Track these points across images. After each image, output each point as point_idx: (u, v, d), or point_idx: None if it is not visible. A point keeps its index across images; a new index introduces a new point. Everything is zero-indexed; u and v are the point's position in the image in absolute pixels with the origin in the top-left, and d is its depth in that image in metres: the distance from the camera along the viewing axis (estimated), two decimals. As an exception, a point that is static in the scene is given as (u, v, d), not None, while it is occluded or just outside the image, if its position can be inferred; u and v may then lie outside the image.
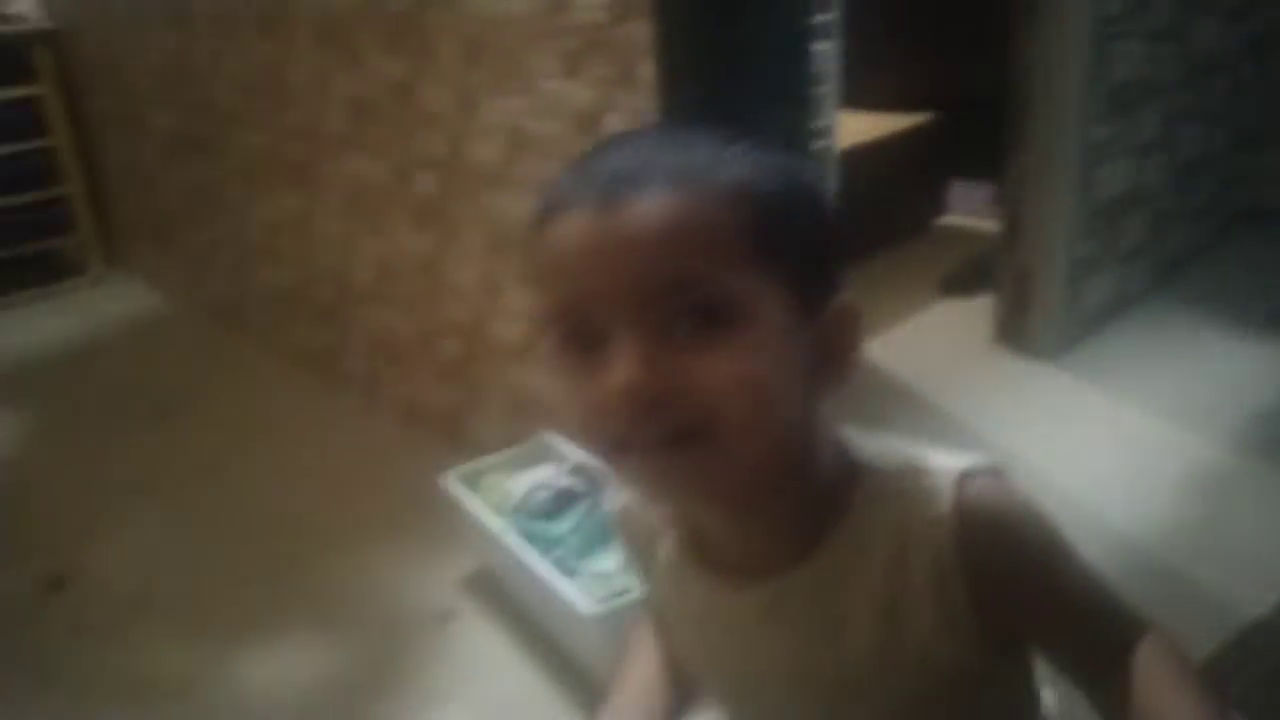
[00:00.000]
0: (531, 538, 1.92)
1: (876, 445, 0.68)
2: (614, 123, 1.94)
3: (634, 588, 1.64)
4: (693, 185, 0.57)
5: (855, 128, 3.93)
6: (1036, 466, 2.48)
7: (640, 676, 0.84)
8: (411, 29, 2.35)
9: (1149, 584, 2.07)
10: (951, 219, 4.20)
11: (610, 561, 1.85)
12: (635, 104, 1.88)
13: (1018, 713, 0.74)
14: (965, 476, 0.64)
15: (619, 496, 0.79)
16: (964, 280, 3.48)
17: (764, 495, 0.64)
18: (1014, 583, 0.64)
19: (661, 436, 0.57)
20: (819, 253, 0.63)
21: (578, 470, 2.10)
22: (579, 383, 0.59)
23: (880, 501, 0.65)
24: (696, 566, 0.71)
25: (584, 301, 0.58)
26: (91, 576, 2.37)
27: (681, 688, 0.84)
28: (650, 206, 0.56)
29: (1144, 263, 3.37)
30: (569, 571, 1.85)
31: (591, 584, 1.81)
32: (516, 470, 2.15)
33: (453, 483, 2.12)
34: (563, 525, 1.94)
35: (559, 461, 2.16)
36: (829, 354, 0.63)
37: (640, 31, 1.83)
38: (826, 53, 2.21)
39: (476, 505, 2.04)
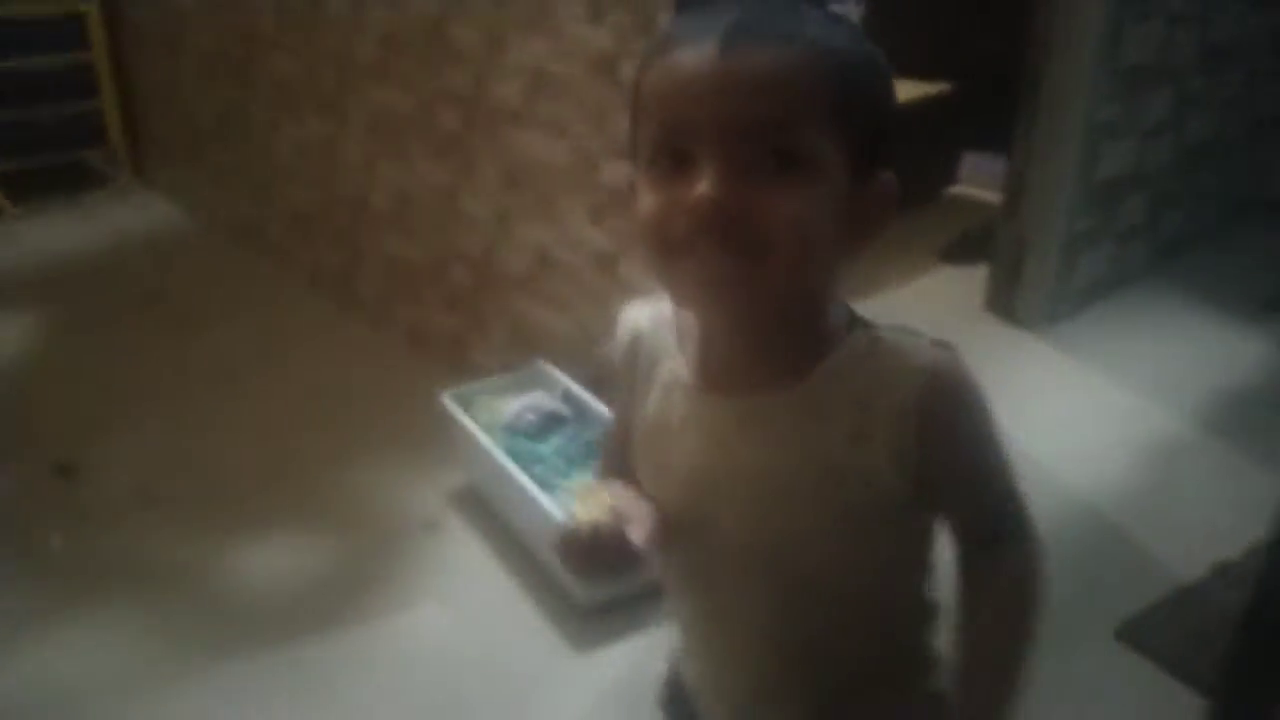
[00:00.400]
0: (516, 455, 2.04)
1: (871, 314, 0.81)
2: (629, 69, 2.03)
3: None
4: (798, 46, 0.67)
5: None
6: (1007, 429, 2.60)
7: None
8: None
9: (1097, 542, 2.20)
10: (962, 189, 4.26)
11: (590, 480, 1.98)
12: (648, 52, 1.97)
13: (919, 568, 0.84)
14: (939, 346, 0.75)
15: (634, 320, 0.86)
16: (965, 249, 3.56)
17: (785, 321, 0.74)
18: (951, 438, 0.74)
19: (721, 249, 0.67)
20: (880, 128, 0.73)
21: (567, 396, 2.23)
22: (660, 190, 0.69)
23: (865, 347, 0.75)
24: (698, 380, 0.79)
25: (687, 124, 0.67)
26: (100, 469, 2.51)
27: None
28: (762, 56, 0.66)
29: (1142, 243, 3.44)
30: (549, 488, 1.98)
31: (568, 499, 1.94)
32: (510, 393, 2.27)
33: (448, 401, 2.24)
34: (547, 445, 2.06)
35: (550, 388, 2.29)
36: (866, 218, 0.73)
37: (658, -20, 1.92)
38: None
39: (468, 423, 2.16)
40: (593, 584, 0.88)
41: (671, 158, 0.68)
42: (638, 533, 0.78)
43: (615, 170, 2.12)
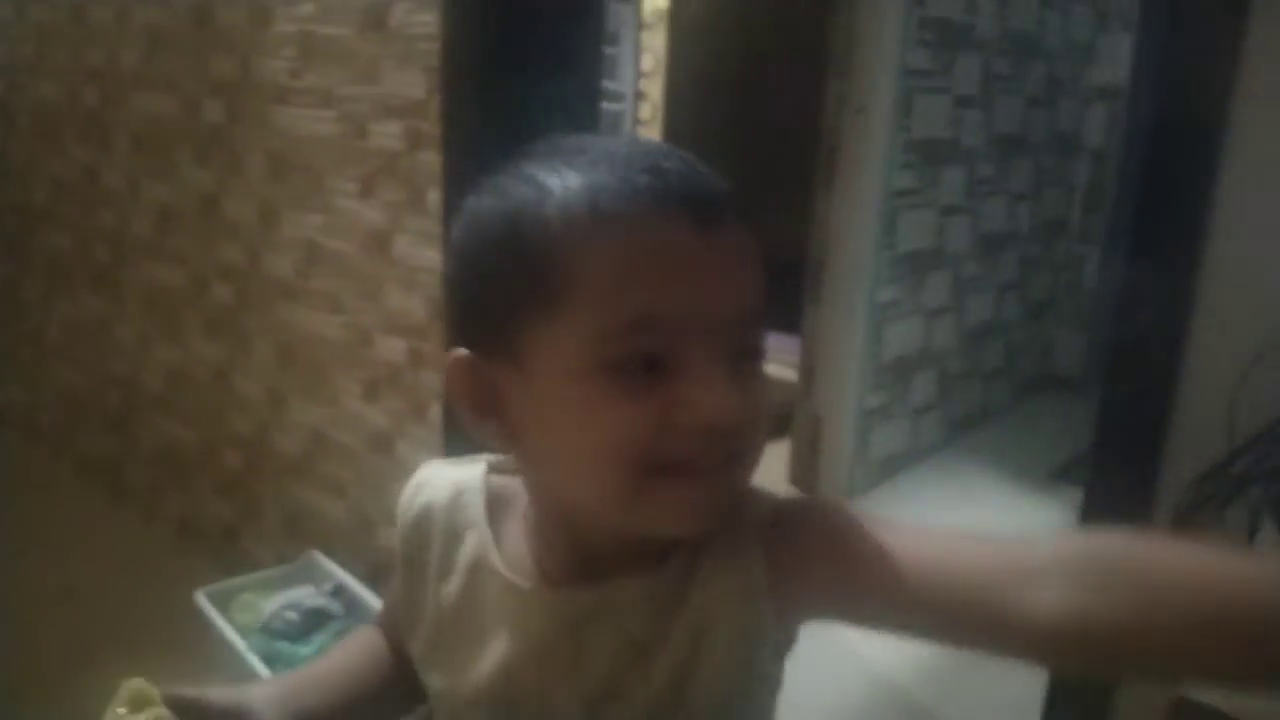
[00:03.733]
0: (272, 660, 1.84)
1: None
2: (403, 243, 1.98)
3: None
4: (746, 219, 0.58)
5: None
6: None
7: (363, 641, 0.80)
8: (222, 142, 2.37)
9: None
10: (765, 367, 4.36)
11: (353, 685, 1.79)
12: (423, 226, 1.93)
13: None
14: (777, 496, 0.63)
15: (428, 486, 0.72)
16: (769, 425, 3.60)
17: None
18: (804, 529, 0.59)
19: (721, 461, 0.57)
20: None
21: (337, 591, 2.05)
22: (633, 406, 0.55)
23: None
24: (522, 571, 0.65)
25: (669, 315, 0.54)
26: None
27: (403, 682, 0.75)
28: (740, 235, 0.57)
29: (935, 418, 3.57)
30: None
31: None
32: (275, 589, 2.08)
33: (202, 600, 2.03)
34: (309, 646, 1.87)
35: (320, 581, 2.11)
36: None
37: (431, 161, 1.90)
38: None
39: (222, 624, 1.96)
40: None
41: (642, 358, 0.55)
42: None
43: (389, 345, 2.04)
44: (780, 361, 4.23)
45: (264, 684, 0.73)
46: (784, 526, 0.59)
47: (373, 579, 2.09)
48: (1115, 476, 1.53)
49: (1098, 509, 1.55)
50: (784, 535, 0.59)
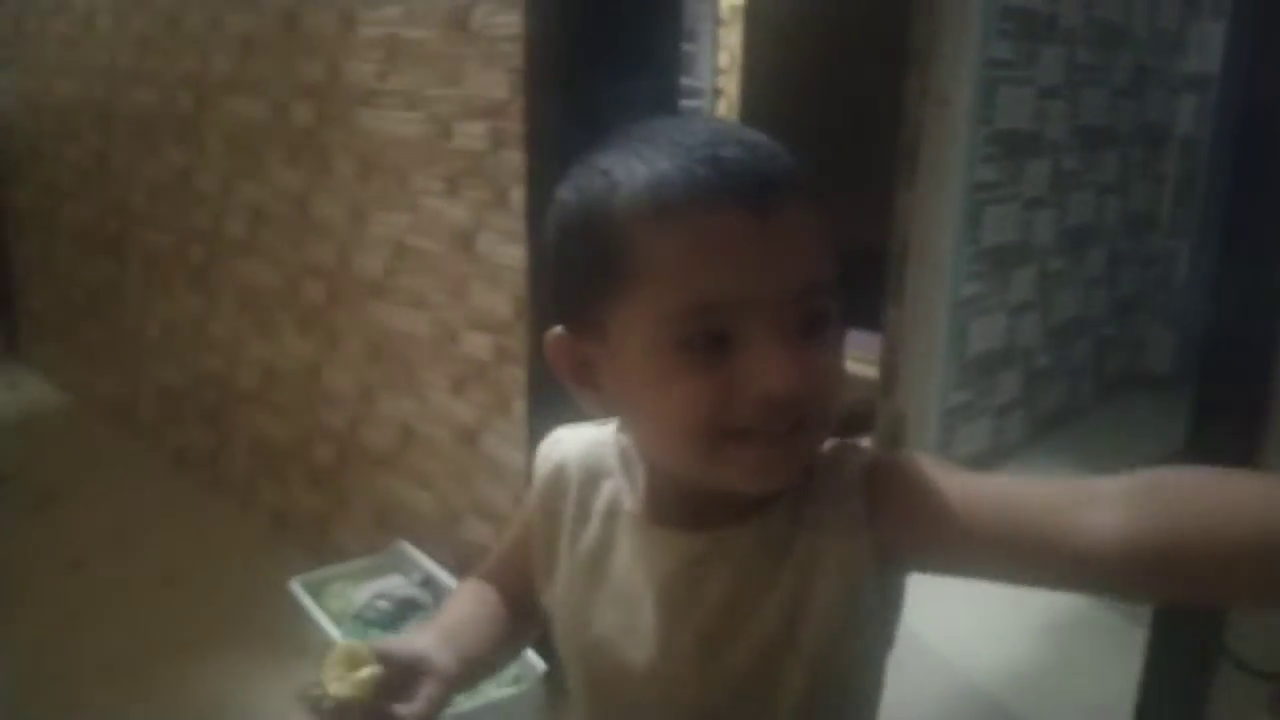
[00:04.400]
0: (365, 645, 1.89)
1: None
2: (487, 241, 2.02)
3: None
4: (812, 194, 0.62)
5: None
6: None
7: (474, 591, 0.85)
8: (311, 144, 2.45)
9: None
10: (846, 364, 4.33)
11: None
12: (507, 225, 1.97)
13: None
14: (875, 448, 0.69)
15: (558, 450, 0.78)
16: (851, 422, 3.57)
17: None
18: (902, 480, 0.63)
19: (785, 428, 0.60)
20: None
21: (426, 581, 2.10)
22: (702, 379, 0.59)
23: (813, 475, 0.66)
24: (646, 512, 0.70)
25: (731, 301, 0.59)
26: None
27: (519, 621, 0.83)
28: (799, 214, 0.60)
29: (1019, 417, 3.50)
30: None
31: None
32: (366, 578, 2.14)
33: (297, 588, 2.10)
34: (400, 635, 1.92)
35: (409, 571, 2.16)
36: None
37: (514, 160, 1.94)
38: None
39: (316, 612, 2.02)
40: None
41: (708, 337, 0.59)
42: (410, 711, 0.67)
43: (474, 341, 2.08)
44: (861, 359, 4.20)
45: (423, 631, 0.77)
46: (881, 472, 0.64)
47: (459, 570, 2.14)
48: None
49: None
50: (882, 479, 0.63)
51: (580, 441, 0.77)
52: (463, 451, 2.16)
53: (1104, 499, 0.54)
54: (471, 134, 2.02)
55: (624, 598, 0.70)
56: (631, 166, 0.61)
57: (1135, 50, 3.73)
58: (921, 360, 3.04)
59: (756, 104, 4.65)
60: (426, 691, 0.69)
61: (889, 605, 0.66)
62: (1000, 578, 0.59)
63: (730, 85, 4.76)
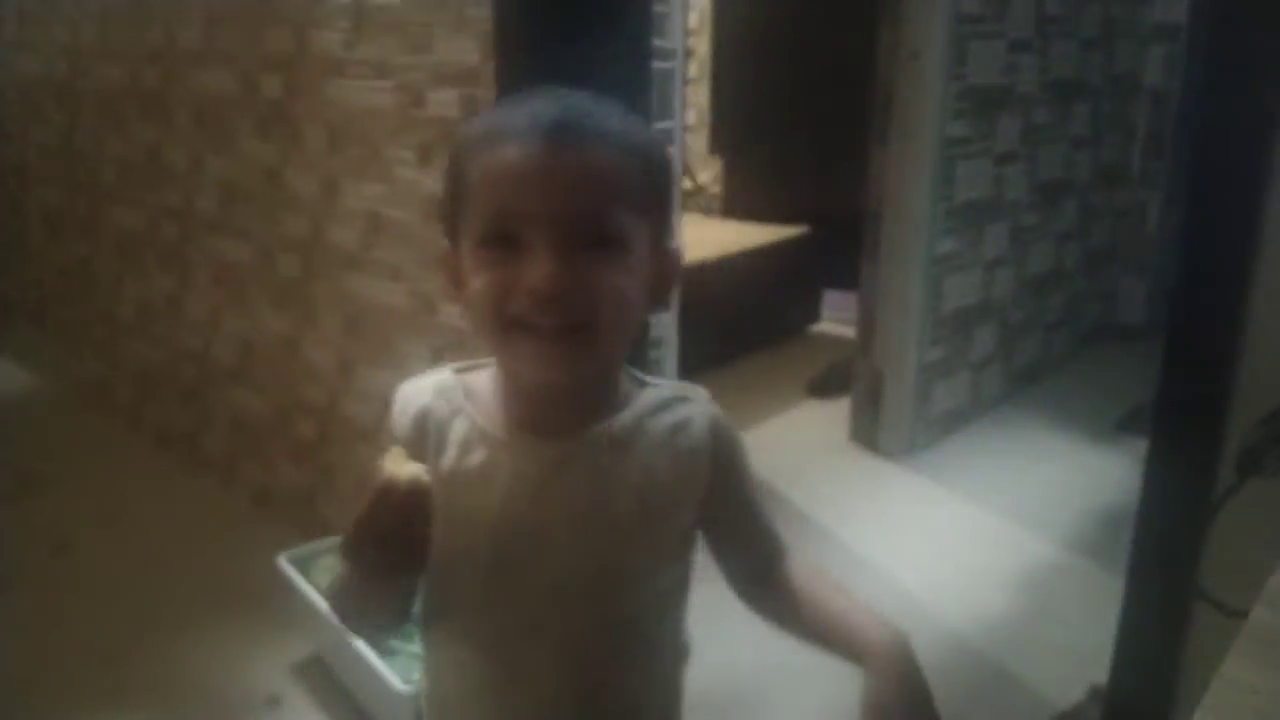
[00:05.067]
0: (354, 616, 1.90)
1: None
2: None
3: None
4: (611, 142, 0.76)
5: (735, 237, 4.11)
6: (877, 562, 2.56)
7: None
8: (281, 116, 2.42)
9: (972, 675, 2.15)
10: (825, 326, 4.36)
11: (431, 641, 1.85)
12: (481, 195, 1.96)
13: (683, 607, 0.92)
14: (711, 403, 0.89)
15: (416, 395, 0.87)
16: (828, 383, 3.61)
17: (601, 375, 0.83)
18: (733, 468, 0.89)
19: (558, 326, 0.75)
20: (668, 207, 0.84)
21: (412, 550, 2.11)
22: (494, 270, 0.75)
23: (656, 396, 0.87)
24: (504, 431, 0.83)
25: (519, 213, 0.74)
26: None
27: None
28: (583, 154, 0.74)
29: (996, 371, 3.54)
30: (389, 652, 1.84)
31: (411, 664, 1.80)
32: (353, 550, 2.14)
33: (284, 564, 2.10)
34: (388, 604, 1.93)
35: (395, 542, 2.16)
36: (662, 283, 0.83)
37: (487, 127, 1.93)
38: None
39: (306, 587, 2.02)
40: (374, 576, 0.80)
41: (502, 241, 0.75)
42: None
43: (452, 311, 2.08)
44: (840, 320, 4.23)
45: None
46: (726, 444, 0.88)
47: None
48: (1181, 423, 1.52)
49: (1164, 456, 1.54)
50: (726, 451, 0.88)
51: (425, 390, 0.88)
52: (445, 421, 2.16)
53: (785, 568, 0.91)
54: (444, 102, 2.01)
55: (493, 506, 0.82)
56: (490, 116, 0.81)
57: (1103, 0, 3.74)
58: (898, 318, 3.07)
59: (726, 63, 4.63)
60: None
61: (692, 541, 0.90)
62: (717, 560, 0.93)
63: (700, 45, 4.73)
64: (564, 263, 0.73)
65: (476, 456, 0.83)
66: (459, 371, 0.89)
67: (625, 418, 0.84)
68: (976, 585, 2.48)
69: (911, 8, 2.88)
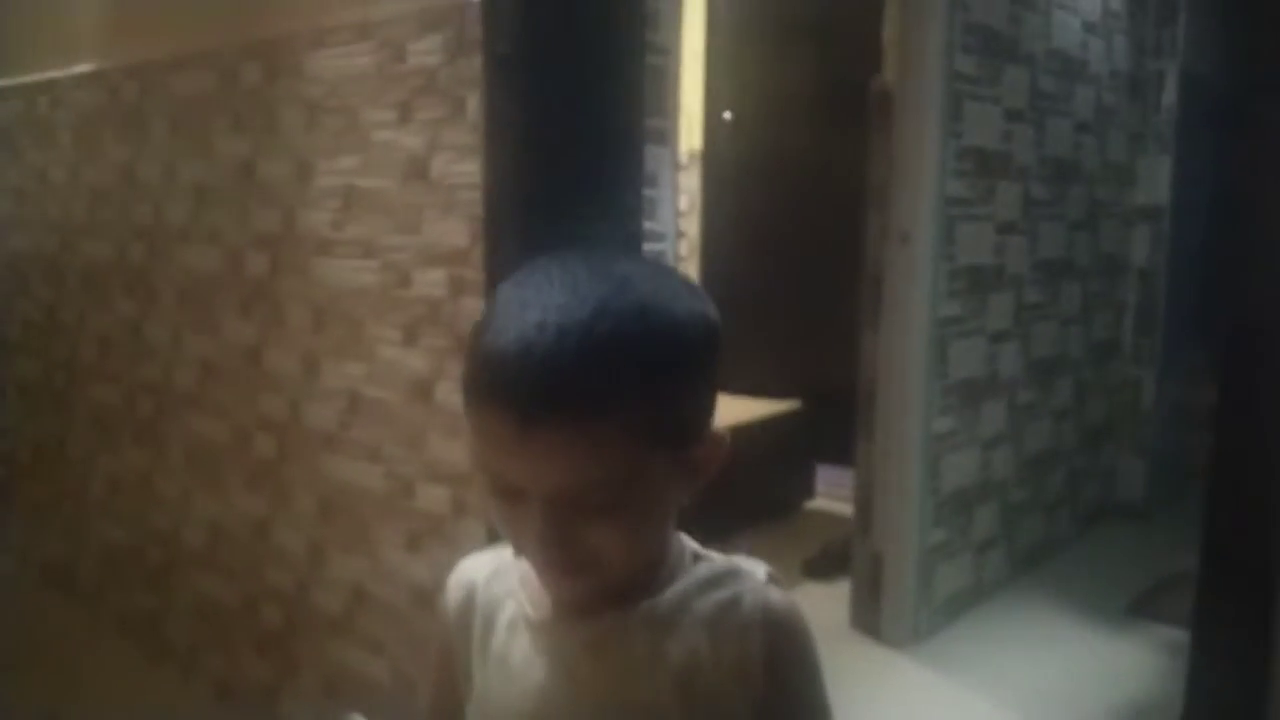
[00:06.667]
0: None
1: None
2: (444, 390, 1.94)
3: None
4: (596, 413, 0.66)
5: (727, 410, 4.04)
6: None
7: None
8: (265, 295, 2.38)
9: None
10: (819, 503, 4.25)
11: None
12: (465, 375, 1.89)
13: None
14: (771, 580, 0.79)
15: (470, 573, 0.85)
16: (824, 564, 3.47)
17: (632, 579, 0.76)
18: (792, 661, 0.76)
19: (564, 569, 0.72)
20: (699, 401, 0.74)
21: (379, 759, 1.93)
22: (504, 508, 0.72)
23: (707, 573, 0.78)
24: (542, 613, 0.79)
25: (509, 477, 0.70)
26: None
27: None
28: (561, 431, 0.66)
29: (999, 553, 3.41)
30: None
31: None
32: (314, 758, 1.97)
33: (239, 771, 1.92)
34: (348, 823, 1.74)
35: (361, 749, 1.99)
36: (695, 474, 0.75)
37: (474, 307, 1.87)
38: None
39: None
40: None
41: (505, 489, 0.71)
42: None
43: (431, 494, 1.98)
44: (836, 496, 4.11)
45: None
46: (785, 637, 0.76)
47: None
48: (1224, 609, 1.41)
49: (1208, 644, 1.42)
50: (785, 645, 0.76)
51: (484, 567, 0.84)
52: (419, 614, 2.03)
53: None
54: (430, 281, 1.97)
55: (532, 690, 0.78)
56: (478, 338, 0.71)
57: (1088, 184, 3.81)
58: (897, 498, 2.97)
59: (716, 245, 4.69)
60: None
61: None
62: None
63: (690, 227, 4.81)
64: (555, 527, 0.69)
65: (519, 642, 0.80)
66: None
67: (670, 595, 0.77)
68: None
69: (900, 191, 2.91)
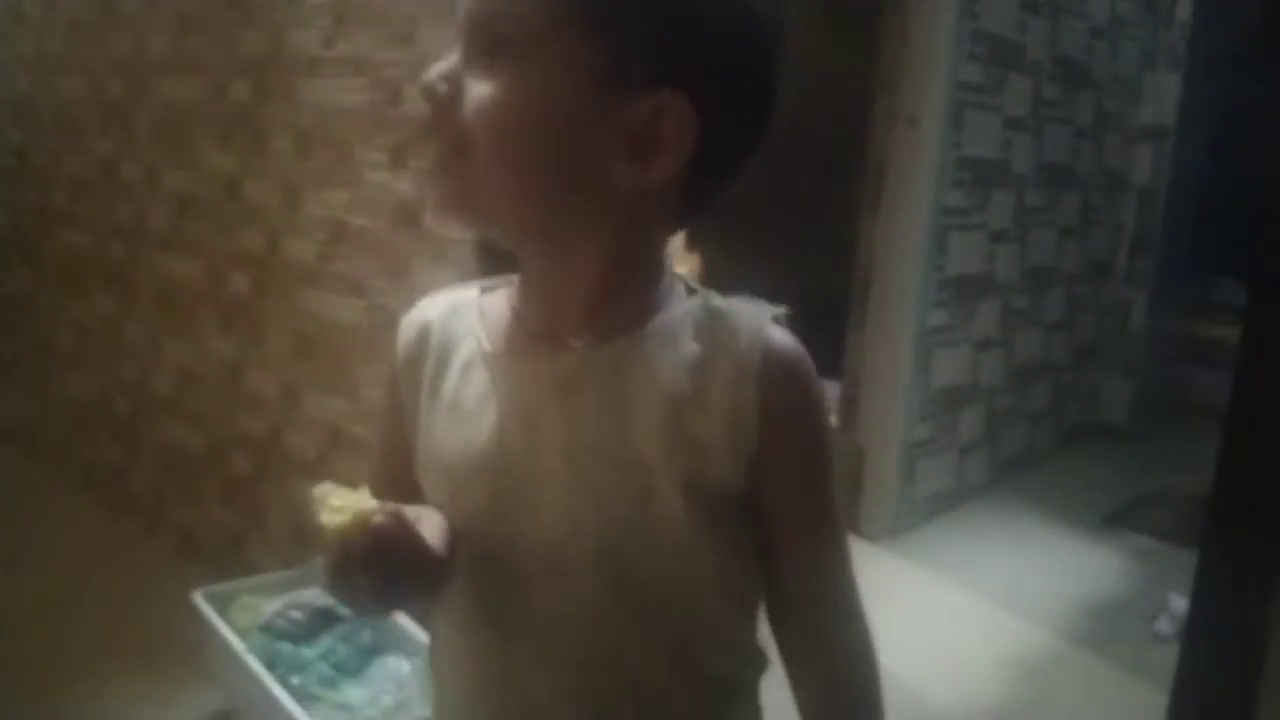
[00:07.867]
0: (274, 662, 1.66)
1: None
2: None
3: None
4: None
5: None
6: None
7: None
8: (246, 122, 2.27)
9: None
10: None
11: (361, 692, 1.61)
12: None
13: (748, 601, 0.73)
14: (775, 320, 0.68)
15: (424, 311, 0.75)
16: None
17: (603, 275, 0.66)
18: (792, 414, 0.67)
19: (436, 156, 0.64)
20: (656, 36, 0.61)
21: (348, 593, 1.88)
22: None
23: (702, 308, 0.68)
24: (503, 348, 0.70)
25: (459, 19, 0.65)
26: None
27: None
28: None
29: (981, 457, 3.38)
30: (311, 701, 1.60)
31: (334, 715, 1.56)
32: (280, 592, 1.91)
33: (200, 601, 1.86)
34: (313, 649, 1.70)
35: (330, 584, 1.93)
36: (644, 139, 0.62)
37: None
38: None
39: (220, 625, 1.78)
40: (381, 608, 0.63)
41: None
42: (432, 528, 0.62)
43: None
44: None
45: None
46: (786, 380, 0.67)
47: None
48: (1236, 529, 1.35)
49: (1216, 562, 1.36)
50: (785, 389, 0.66)
51: (442, 303, 0.75)
52: (397, 453, 1.96)
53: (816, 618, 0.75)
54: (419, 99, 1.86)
55: (489, 431, 0.68)
56: None
57: (1096, 92, 3.72)
58: (885, 390, 2.91)
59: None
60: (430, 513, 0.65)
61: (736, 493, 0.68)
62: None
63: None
64: (450, 69, 0.63)
65: (475, 380, 0.70)
66: (485, 291, 0.75)
67: (652, 328, 0.67)
68: (971, 674, 2.28)
69: (909, 73, 2.81)
